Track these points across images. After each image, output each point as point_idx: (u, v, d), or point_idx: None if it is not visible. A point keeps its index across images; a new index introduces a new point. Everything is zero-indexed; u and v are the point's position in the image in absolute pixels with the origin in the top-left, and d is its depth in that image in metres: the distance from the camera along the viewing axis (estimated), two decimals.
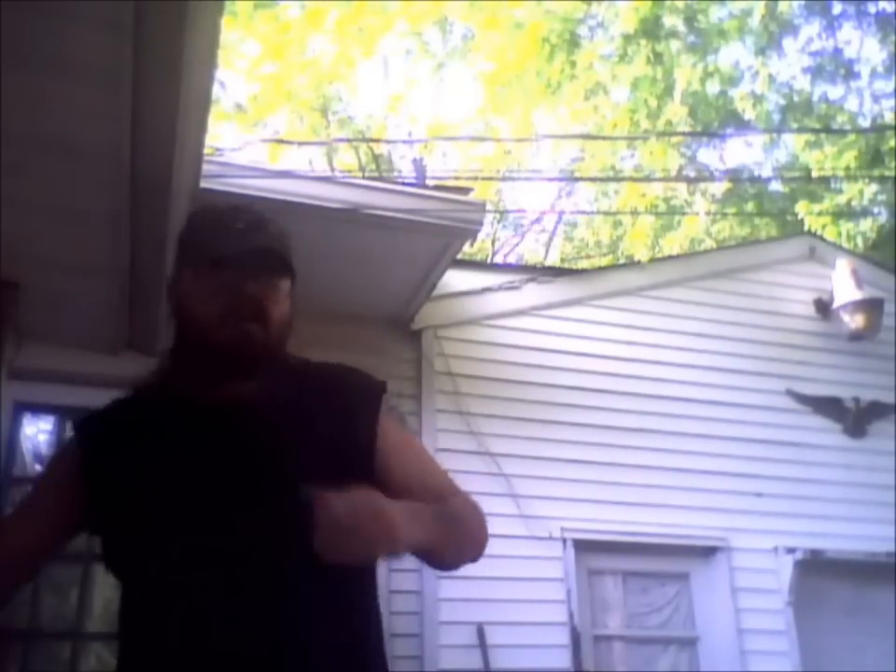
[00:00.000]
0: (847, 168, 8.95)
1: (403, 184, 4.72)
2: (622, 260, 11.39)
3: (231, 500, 1.28)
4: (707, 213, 10.48)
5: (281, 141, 11.62)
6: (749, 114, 9.95)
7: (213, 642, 1.23)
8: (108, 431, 1.42)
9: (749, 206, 10.71)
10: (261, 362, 1.34)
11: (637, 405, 4.68)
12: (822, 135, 9.63)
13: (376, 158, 13.23)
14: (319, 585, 1.25)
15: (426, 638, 3.91)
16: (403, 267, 3.98)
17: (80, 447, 1.42)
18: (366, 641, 1.34)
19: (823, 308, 5.26)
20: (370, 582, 1.38)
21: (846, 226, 8.97)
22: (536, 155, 12.65)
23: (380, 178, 9.21)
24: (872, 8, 10.36)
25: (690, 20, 10.10)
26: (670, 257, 8.04)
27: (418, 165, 5.21)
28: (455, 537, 1.35)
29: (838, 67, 10.40)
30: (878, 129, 9.73)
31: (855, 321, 5.08)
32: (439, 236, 3.85)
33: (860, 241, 8.87)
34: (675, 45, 10.08)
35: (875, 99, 10.66)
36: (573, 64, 10.45)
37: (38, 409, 3.96)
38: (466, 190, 4.39)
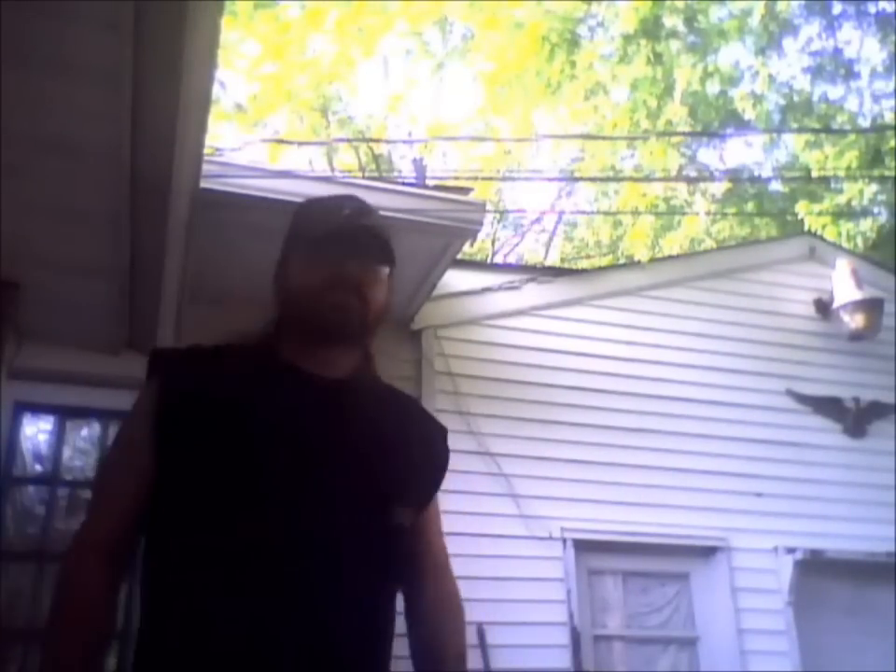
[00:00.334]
0: (847, 168, 8.94)
1: (403, 184, 4.72)
2: (622, 260, 11.40)
3: (327, 483, 1.29)
4: (707, 213, 10.48)
5: (281, 141, 11.62)
6: (749, 114, 9.95)
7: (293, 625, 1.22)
8: (201, 366, 1.38)
9: (749, 206, 10.71)
10: (358, 334, 1.40)
11: (636, 405, 4.68)
12: (822, 135, 9.62)
13: (376, 158, 13.22)
14: (375, 600, 1.33)
15: None
16: (403, 267, 3.90)
17: (166, 376, 1.36)
18: (387, 642, 1.37)
19: (823, 308, 5.26)
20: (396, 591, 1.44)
21: (846, 226, 8.97)
22: (536, 155, 12.67)
23: (380, 178, 9.19)
24: (872, 8, 10.36)
25: (690, 20, 10.10)
26: (670, 257, 8.03)
27: (418, 165, 5.20)
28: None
29: (838, 67, 10.40)
30: (878, 129, 9.72)
31: (855, 321, 5.08)
32: (439, 236, 3.84)
33: (860, 241, 8.87)
34: (675, 45, 10.08)
35: (875, 99, 10.66)
36: (573, 64, 10.45)
37: (38, 409, 3.96)
38: (466, 190, 4.39)
